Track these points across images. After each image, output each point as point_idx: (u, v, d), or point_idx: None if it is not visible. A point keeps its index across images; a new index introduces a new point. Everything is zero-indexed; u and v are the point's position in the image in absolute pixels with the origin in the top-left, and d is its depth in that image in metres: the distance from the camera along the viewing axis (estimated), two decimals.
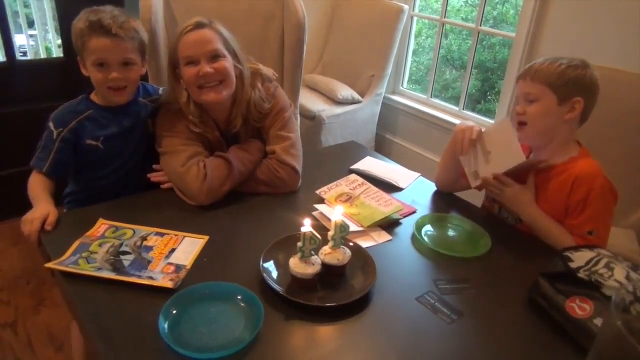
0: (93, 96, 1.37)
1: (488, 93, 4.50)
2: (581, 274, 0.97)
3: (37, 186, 1.27)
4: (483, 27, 2.90)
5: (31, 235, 1.15)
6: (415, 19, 3.27)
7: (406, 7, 2.96)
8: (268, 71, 1.50)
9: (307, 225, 0.98)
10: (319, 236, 0.98)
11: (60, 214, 1.20)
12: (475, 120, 2.94)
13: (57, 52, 3.25)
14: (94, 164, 1.37)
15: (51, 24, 3.17)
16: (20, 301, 2.05)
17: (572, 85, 1.21)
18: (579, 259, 1.01)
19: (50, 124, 1.31)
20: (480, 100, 4.38)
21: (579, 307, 0.94)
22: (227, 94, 1.34)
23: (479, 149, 1.32)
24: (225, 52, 1.32)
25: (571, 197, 1.23)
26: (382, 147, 3.39)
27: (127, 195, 1.35)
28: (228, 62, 1.32)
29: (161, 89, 1.50)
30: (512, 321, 1.00)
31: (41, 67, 2.62)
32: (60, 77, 2.48)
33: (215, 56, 1.30)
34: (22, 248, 2.35)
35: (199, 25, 1.30)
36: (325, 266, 1.02)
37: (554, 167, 1.27)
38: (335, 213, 1.03)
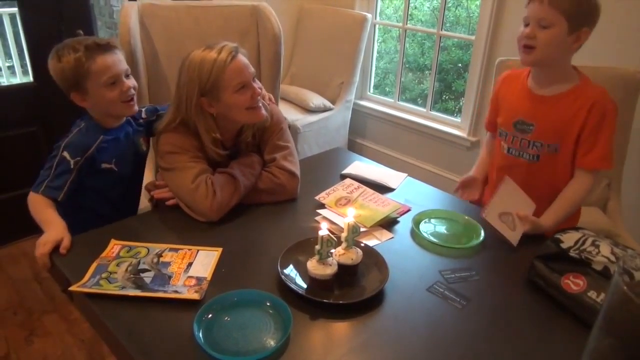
0: (95, 121, 1.38)
1: (444, 93, 4.69)
2: (572, 253, 1.08)
3: (46, 209, 1.24)
4: (444, 32, 3.05)
5: (42, 258, 1.15)
6: (377, 26, 3.39)
7: (369, 15, 3.07)
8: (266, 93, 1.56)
9: (324, 229, 1.04)
10: (335, 238, 1.05)
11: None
12: (442, 120, 3.08)
13: (21, 78, 3.19)
14: (108, 187, 1.39)
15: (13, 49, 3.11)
16: (9, 333, 2.00)
17: (584, 16, 1.24)
18: (568, 239, 1.12)
19: (65, 154, 1.29)
20: (438, 100, 4.56)
21: (574, 283, 1.05)
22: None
23: (503, 218, 1.31)
24: None
25: (587, 122, 1.30)
26: (354, 152, 3.48)
27: (123, 216, 1.36)
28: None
29: (143, 110, 1.51)
30: (514, 301, 1.10)
31: (9, 93, 2.55)
32: (30, 102, 2.44)
33: (254, 77, 1.38)
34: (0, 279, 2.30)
35: (236, 52, 1.33)
36: (340, 266, 1.08)
37: (559, 96, 1.33)
38: (347, 215, 1.10)
